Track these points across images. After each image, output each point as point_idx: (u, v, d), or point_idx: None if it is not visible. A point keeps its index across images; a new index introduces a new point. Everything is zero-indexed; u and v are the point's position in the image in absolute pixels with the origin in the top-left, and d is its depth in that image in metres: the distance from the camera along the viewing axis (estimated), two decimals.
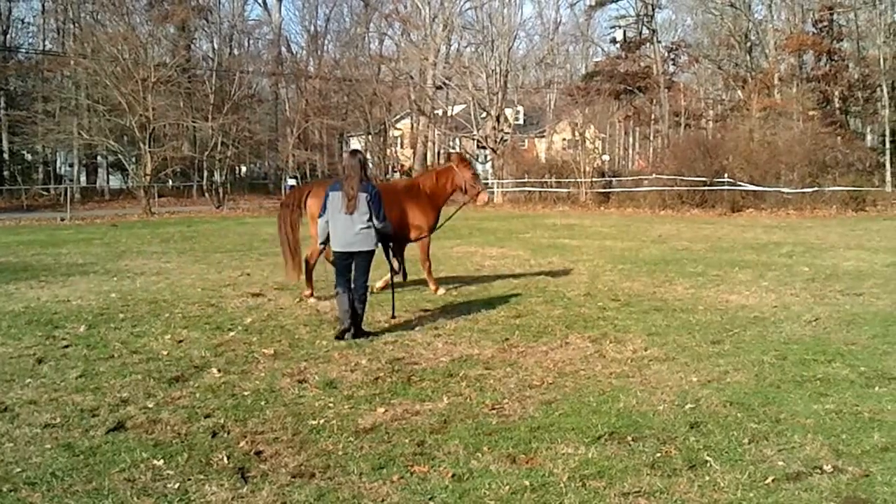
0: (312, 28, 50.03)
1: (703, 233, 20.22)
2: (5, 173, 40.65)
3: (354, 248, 7.60)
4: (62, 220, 27.27)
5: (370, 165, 8.75)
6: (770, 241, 17.33)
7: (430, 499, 4.01)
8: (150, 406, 5.48)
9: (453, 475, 4.26)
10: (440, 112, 48.82)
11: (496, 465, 4.41)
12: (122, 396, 5.70)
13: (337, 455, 4.58)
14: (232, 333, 7.84)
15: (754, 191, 29.19)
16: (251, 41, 47.46)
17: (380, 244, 8.05)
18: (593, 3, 47.80)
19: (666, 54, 45.86)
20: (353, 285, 7.63)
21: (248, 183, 45.70)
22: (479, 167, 50.18)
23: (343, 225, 7.57)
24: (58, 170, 43.10)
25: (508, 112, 44.39)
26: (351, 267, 7.69)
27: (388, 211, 9.42)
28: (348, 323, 7.59)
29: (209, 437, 4.88)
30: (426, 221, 10.23)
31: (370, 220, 7.57)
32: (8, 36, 42.73)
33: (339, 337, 7.52)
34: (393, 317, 8.47)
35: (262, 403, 5.56)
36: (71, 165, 42.36)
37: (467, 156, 10.80)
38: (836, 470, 4.31)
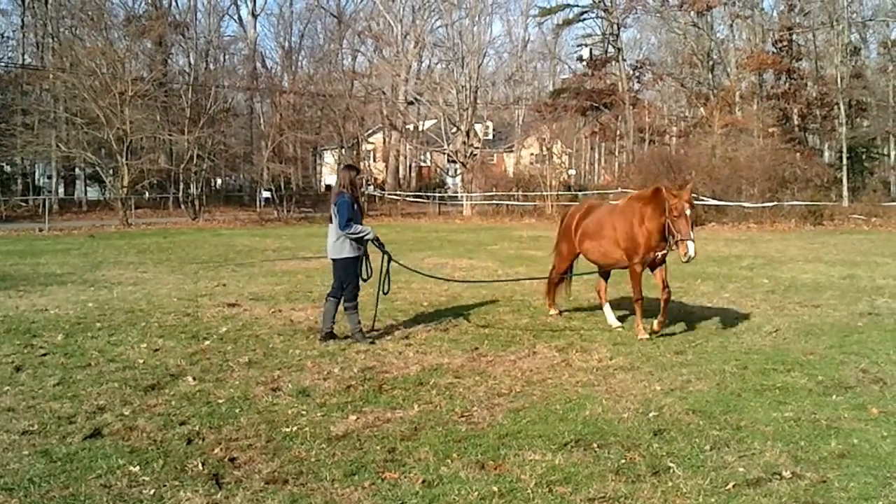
0: (287, 44, 50.05)
1: None
2: None
3: (329, 256, 8.05)
4: (40, 230, 26.84)
5: (357, 180, 8.85)
6: (731, 254, 17.56)
7: None
8: (127, 413, 5.51)
9: (423, 481, 4.35)
10: (411, 127, 49.01)
11: (465, 471, 4.50)
12: (99, 404, 5.73)
13: (310, 462, 4.66)
14: (207, 342, 7.88)
15: (716, 205, 29.66)
16: (227, 56, 47.11)
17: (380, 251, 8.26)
18: (560, 22, 48.31)
19: (631, 72, 46.47)
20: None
21: (224, 195, 45.27)
22: (450, 181, 50.43)
23: (328, 234, 8.11)
24: (36, 181, 42.47)
25: (478, 127, 44.60)
26: (338, 275, 8.03)
27: (601, 231, 8.97)
28: (328, 328, 7.97)
29: (184, 443, 4.93)
30: (623, 247, 8.68)
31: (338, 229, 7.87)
32: None
33: (322, 339, 7.91)
34: (373, 328, 8.53)
35: (237, 411, 5.62)
36: (49, 177, 41.78)
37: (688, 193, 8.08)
38: (794, 476, 4.45)
